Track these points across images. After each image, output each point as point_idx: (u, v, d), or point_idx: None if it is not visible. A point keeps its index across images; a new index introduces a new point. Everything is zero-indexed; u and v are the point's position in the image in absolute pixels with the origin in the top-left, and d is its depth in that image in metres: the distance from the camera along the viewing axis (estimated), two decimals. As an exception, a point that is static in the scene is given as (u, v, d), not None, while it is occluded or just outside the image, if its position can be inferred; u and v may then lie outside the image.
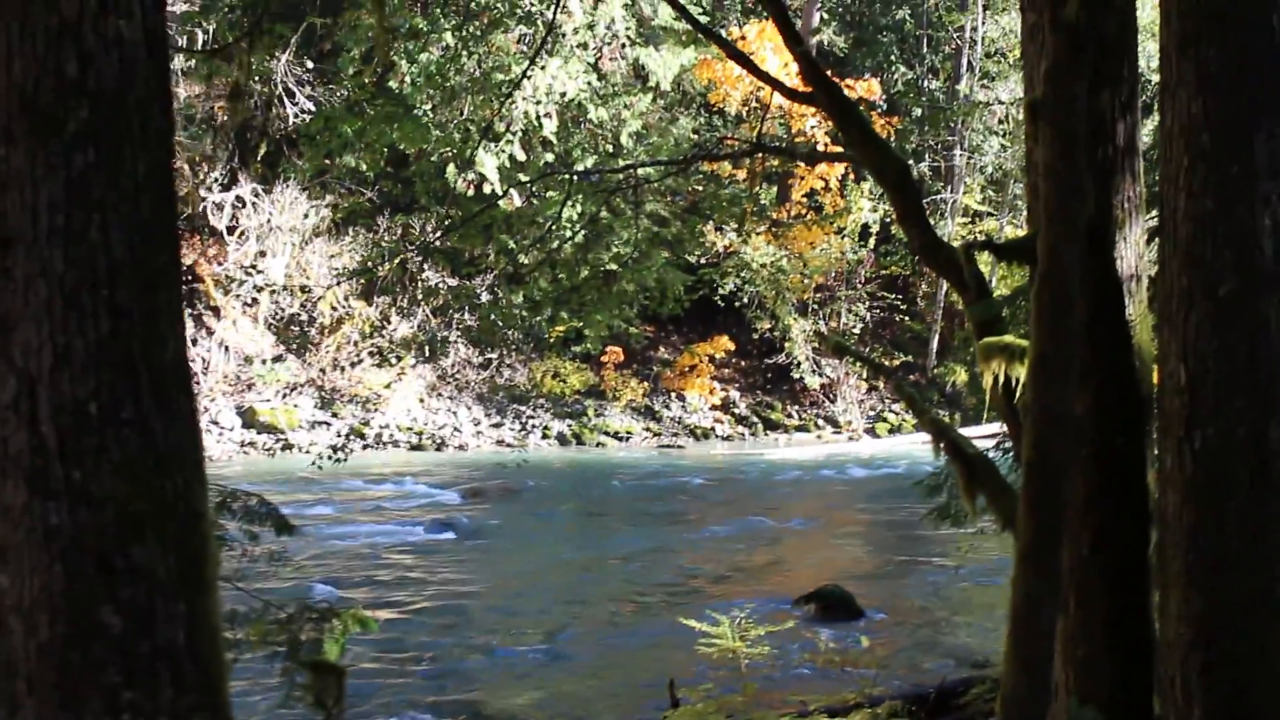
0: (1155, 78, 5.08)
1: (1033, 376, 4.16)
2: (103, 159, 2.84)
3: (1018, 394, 5.26)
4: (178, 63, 30.69)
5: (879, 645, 12.58)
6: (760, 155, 18.47)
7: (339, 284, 29.06)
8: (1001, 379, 5.53)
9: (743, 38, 35.16)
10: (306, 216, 34.22)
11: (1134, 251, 5.37)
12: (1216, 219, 4.36)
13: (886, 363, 39.77)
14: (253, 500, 5.05)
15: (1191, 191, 4.41)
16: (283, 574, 14.90)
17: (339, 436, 30.75)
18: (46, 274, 2.77)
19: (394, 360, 33.93)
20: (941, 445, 6.50)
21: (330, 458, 12.02)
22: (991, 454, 7.64)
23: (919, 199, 6.79)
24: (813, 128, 35.65)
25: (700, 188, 39.23)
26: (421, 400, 34.77)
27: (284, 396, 32.76)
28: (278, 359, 33.49)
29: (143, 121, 2.93)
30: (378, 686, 11.04)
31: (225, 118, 33.76)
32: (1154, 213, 5.19)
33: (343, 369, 33.56)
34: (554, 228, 13.47)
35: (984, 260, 6.47)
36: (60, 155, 2.80)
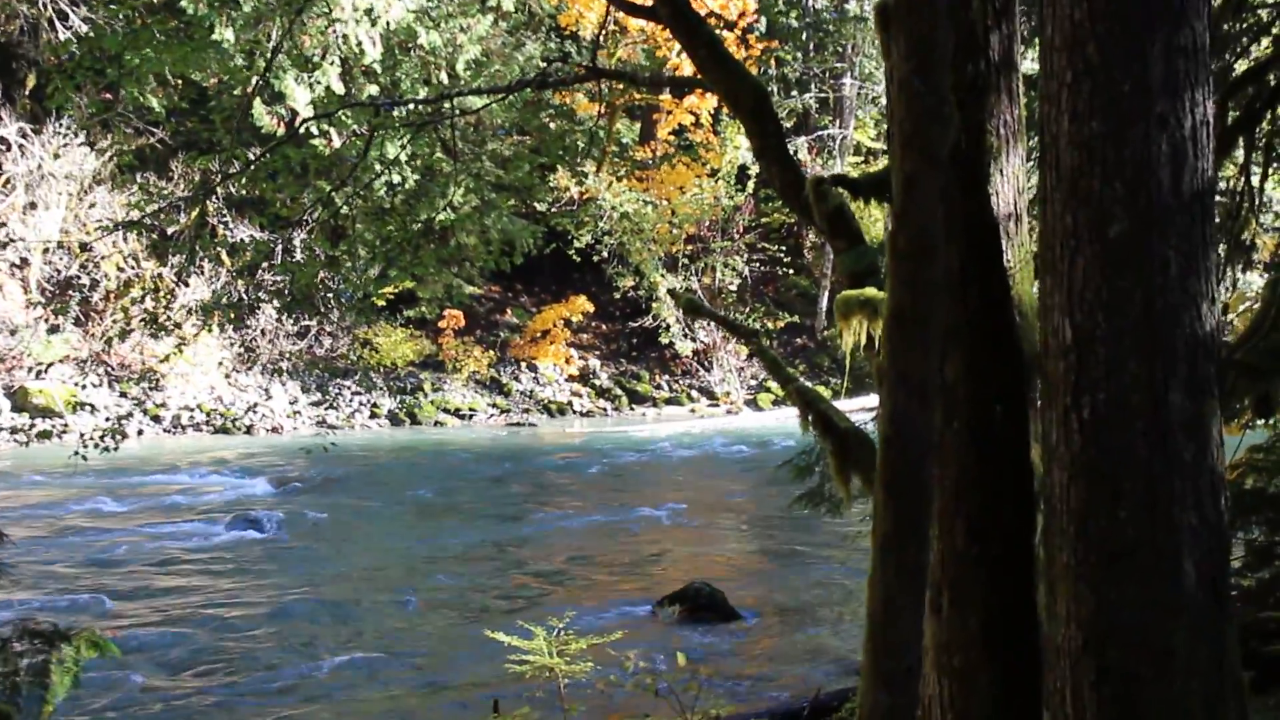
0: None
1: (888, 336, 4.00)
2: None
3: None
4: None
5: (753, 652, 12.56)
6: (616, 85, 18.24)
7: (118, 232, 28.28)
8: (864, 340, 5.40)
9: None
10: (57, 158, 33.18)
11: (1012, 186, 5.24)
12: (1105, 145, 4.24)
13: (769, 324, 39.89)
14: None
15: (1076, 113, 4.29)
16: (37, 588, 14.53)
17: (124, 420, 30.12)
18: None
19: (192, 329, 33.25)
20: (810, 419, 6.37)
21: (99, 445, 11.39)
22: (869, 427, 7.55)
23: (780, 130, 6.63)
24: (679, 54, 35.50)
25: (551, 124, 38.95)
26: (227, 376, 34.21)
27: (59, 373, 31.96)
28: (53, 330, 32.65)
29: None
30: (163, 715, 10.73)
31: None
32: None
33: (131, 341, 32.79)
34: (378, 170, 13.16)
35: (861, 205, 6.33)
36: None
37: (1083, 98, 4.26)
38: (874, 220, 24.62)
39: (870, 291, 5.34)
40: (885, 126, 42.84)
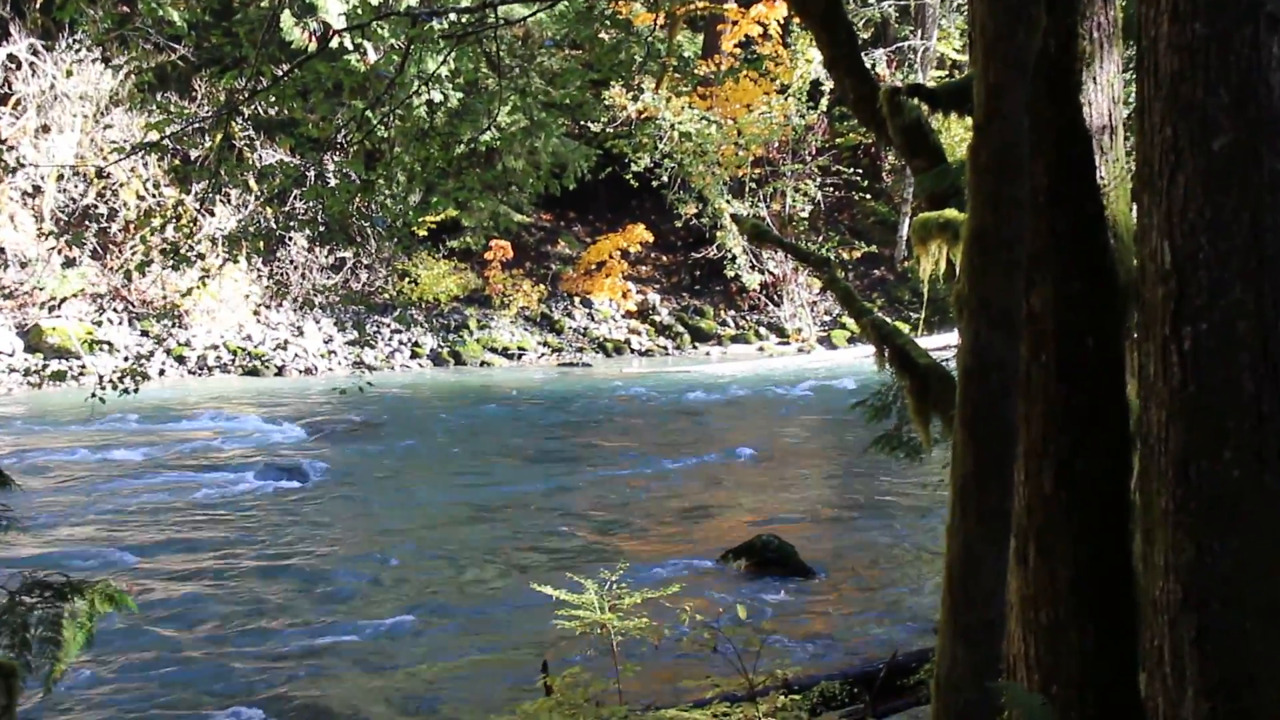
0: None
1: (968, 259, 3.97)
2: None
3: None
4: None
5: (825, 609, 12.56)
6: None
7: (137, 156, 28.37)
8: (943, 266, 5.36)
9: None
10: (70, 76, 33.18)
11: (1106, 96, 5.17)
12: (1209, 49, 4.16)
13: (844, 254, 39.68)
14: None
15: (1177, 13, 4.21)
16: (51, 540, 14.68)
17: (145, 360, 30.28)
18: None
19: (217, 261, 33.37)
20: (886, 355, 6.33)
21: (118, 387, 11.46)
22: (951, 365, 7.49)
23: (853, 38, 6.56)
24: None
25: (605, 36, 38.75)
26: (256, 313, 34.35)
27: (75, 310, 32.15)
28: (68, 263, 32.85)
29: None
30: (187, 677, 10.82)
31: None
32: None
33: (152, 274, 32.96)
34: (416, 87, 13.18)
35: (940, 119, 6.27)
36: None
37: (1184, -5, 4.20)
38: (959, 140, 24.44)
39: (950, 213, 5.30)
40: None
